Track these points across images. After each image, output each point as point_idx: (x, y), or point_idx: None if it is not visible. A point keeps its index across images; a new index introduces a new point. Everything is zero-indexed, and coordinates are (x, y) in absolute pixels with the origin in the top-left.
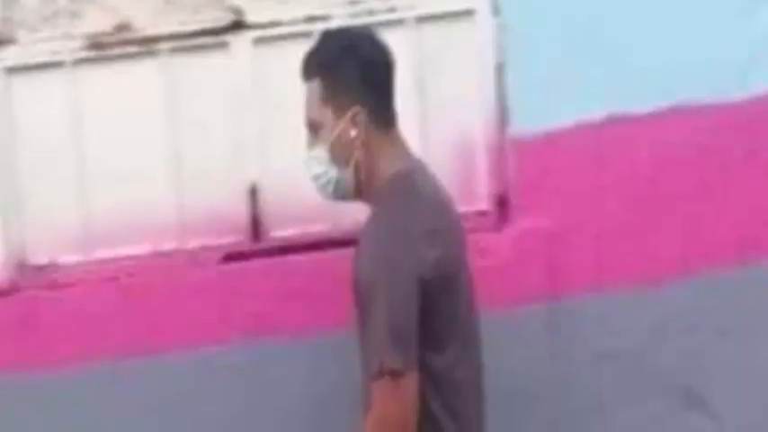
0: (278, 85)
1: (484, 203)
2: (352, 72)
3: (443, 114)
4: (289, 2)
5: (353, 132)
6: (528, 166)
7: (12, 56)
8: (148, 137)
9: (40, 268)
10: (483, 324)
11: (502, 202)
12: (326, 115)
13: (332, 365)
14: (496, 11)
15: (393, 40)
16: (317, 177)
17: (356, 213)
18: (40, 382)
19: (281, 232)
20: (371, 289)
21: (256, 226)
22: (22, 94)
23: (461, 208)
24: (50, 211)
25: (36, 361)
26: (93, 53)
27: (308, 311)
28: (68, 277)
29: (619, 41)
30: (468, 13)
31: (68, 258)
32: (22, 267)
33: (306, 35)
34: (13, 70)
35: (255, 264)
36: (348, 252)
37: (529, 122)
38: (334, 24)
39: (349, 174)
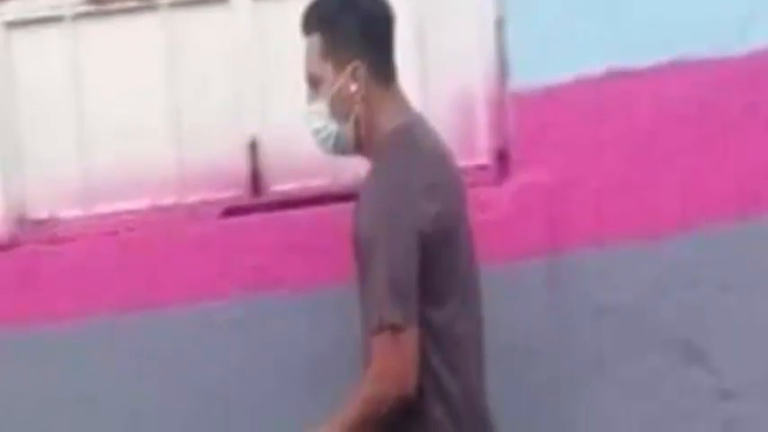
0: (278, 39)
1: (484, 158)
2: (352, 27)
3: (443, 69)
4: None
5: (353, 87)
6: (528, 121)
7: (11, 10)
8: (148, 91)
9: (40, 223)
10: (483, 278)
11: (502, 157)
12: (326, 70)
13: (332, 320)
14: None
15: None
16: (317, 132)
17: (356, 168)
18: (39, 337)
19: (281, 186)
20: (371, 243)
21: (256, 180)
22: (22, 49)
23: (461, 162)
24: (50, 166)
25: (36, 315)
26: (92, 7)
27: (308, 266)
28: (68, 232)
29: None
30: None
31: (68, 213)
32: (22, 222)
33: None
34: (12, 25)
35: (255, 218)
36: (348, 206)
37: (529, 77)
38: None
39: (349, 128)
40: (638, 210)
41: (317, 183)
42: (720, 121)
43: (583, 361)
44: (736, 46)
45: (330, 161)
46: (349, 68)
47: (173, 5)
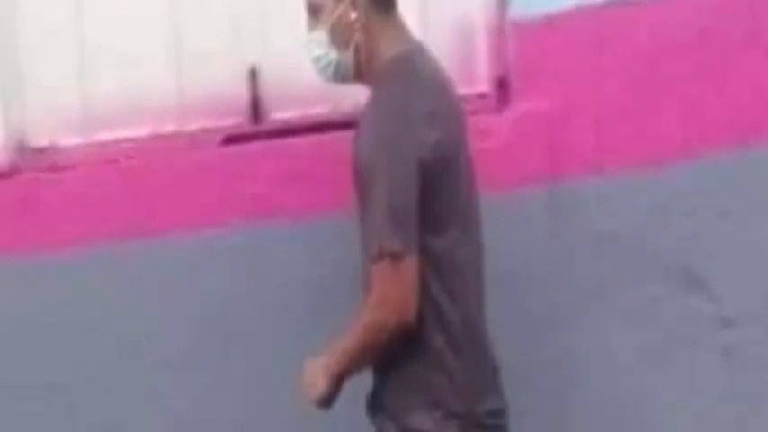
0: None
1: (484, 85)
2: None
3: None
4: None
5: (353, 15)
6: (528, 49)
7: None
8: (149, 19)
9: (40, 150)
10: (483, 206)
11: (502, 85)
12: None
13: (332, 247)
14: None
15: None
16: (317, 60)
17: (356, 95)
18: (40, 265)
19: (281, 114)
20: (371, 171)
21: (256, 108)
22: None
23: (461, 90)
24: (51, 94)
25: (36, 243)
26: None
27: (309, 193)
28: (68, 159)
29: None
30: None
31: (68, 141)
32: (22, 149)
33: None
34: None
35: (255, 146)
36: (348, 134)
37: (529, 4)
38: None
39: (349, 56)
40: (638, 137)
41: (317, 110)
42: (720, 49)
43: (582, 288)
44: None
45: (330, 89)
46: None
47: None
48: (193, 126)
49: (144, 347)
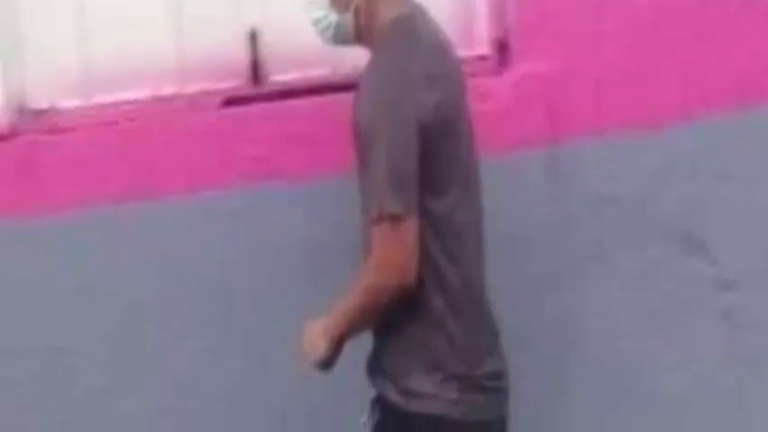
0: None
1: (484, 48)
2: None
3: None
4: None
5: None
6: (528, 10)
7: None
8: None
9: (40, 112)
10: (483, 168)
11: (502, 47)
12: None
13: (332, 210)
14: None
15: None
16: (317, 21)
17: (356, 57)
18: (39, 227)
19: (281, 76)
20: (371, 134)
21: (256, 70)
22: None
23: (461, 52)
24: (50, 56)
25: (36, 205)
26: None
27: (308, 156)
28: (68, 122)
29: None
30: None
31: (68, 103)
32: (22, 111)
33: None
34: None
35: (255, 108)
36: (348, 96)
37: None
38: None
39: (349, 18)
40: (638, 100)
41: (317, 72)
42: (721, 12)
43: (582, 251)
44: None
45: (330, 51)
46: None
47: None
48: (193, 88)
49: (143, 310)
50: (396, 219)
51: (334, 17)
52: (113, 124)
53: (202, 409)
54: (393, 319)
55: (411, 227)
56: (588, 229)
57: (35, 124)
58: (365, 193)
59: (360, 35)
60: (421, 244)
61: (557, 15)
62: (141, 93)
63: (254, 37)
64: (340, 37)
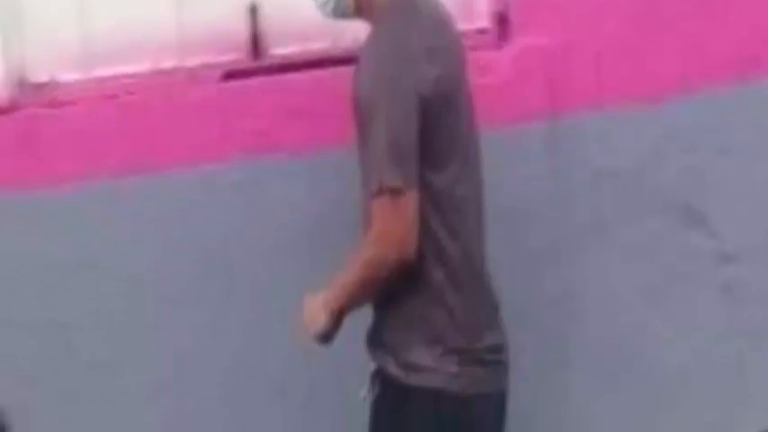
0: None
1: (484, 21)
2: None
3: None
4: None
5: None
6: None
7: None
8: None
9: (40, 86)
10: (483, 142)
11: (502, 20)
12: None
13: (332, 183)
14: None
15: None
16: None
17: (356, 31)
18: (39, 200)
19: (281, 50)
20: (371, 107)
21: (256, 43)
22: None
23: (461, 26)
24: (50, 29)
25: (35, 179)
26: None
27: (308, 129)
28: (68, 95)
29: None
30: None
31: (68, 76)
32: (22, 85)
33: None
34: None
35: (255, 81)
36: (348, 70)
37: None
38: None
39: None
40: (638, 73)
41: (317, 46)
42: None
43: (582, 225)
44: None
45: (330, 24)
46: None
47: None
48: (193, 61)
49: (143, 284)
50: (396, 192)
51: None
52: (113, 98)
53: (202, 382)
54: (393, 293)
55: (411, 200)
56: (588, 202)
57: (35, 98)
58: (365, 167)
59: (359, 8)
60: (421, 217)
61: None
62: (141, 66)
63: (254, 10)
64: (340, 10)
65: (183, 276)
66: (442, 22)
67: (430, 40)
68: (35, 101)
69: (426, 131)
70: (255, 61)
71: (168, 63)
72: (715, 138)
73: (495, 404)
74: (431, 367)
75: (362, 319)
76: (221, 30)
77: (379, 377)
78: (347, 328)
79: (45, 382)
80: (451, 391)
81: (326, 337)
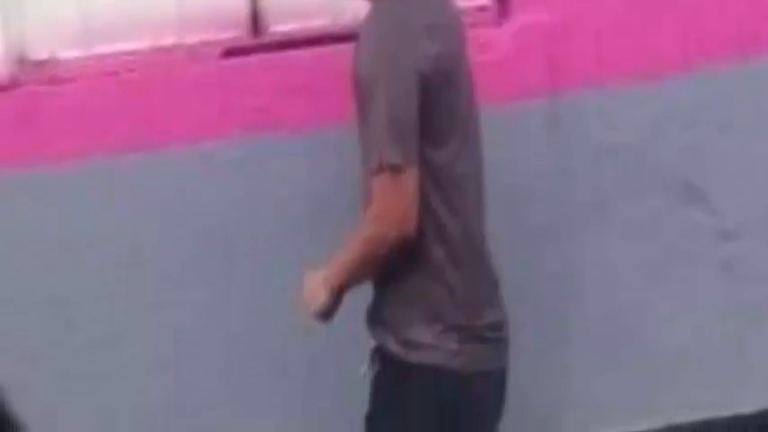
0: None
1: None
2: None
3: None
4: None
5: None
6: None
7: None
8: None
9: (40, 63)
10: (483, 119)
11: None
12: None
13: (332, 160)
14: None
15: None
16: None
17: (356, 8)
18: (39, 178)
19: (281, 27)
20: (371, 84)
21: (256, 21)
22: None
23: (461, 3)
24: (50, 6)
25: (36, 156)
26: None
27: (308, 106)
28: (68, 72)
29: None
30: None
31: (68, 53)
32: (22, 62)
33: None
34: None
35: (255, 59)
36: (348, 47)
37: None
38: None
39: None
40: (638, 50)
41: (317, 23)
42: None
43: (582, 202)
44: None
45: (330, 1)
46: None
47: None
48: (193, 39)
49: (143, 261)
50: (396, 169)
51: None
52: (113, 75)
53: (202, 359)
54: (393, 270)
55: (411, 177)
56: (588, 179)
57: (35, 75)
58: (365, 144)
59: None
60: (421, 195)
61: None
62: (141, 43)
63: None
64: None
65: (183, 253)
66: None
67: (430, 17)
68: (35, 78)
69: (426, 108)
70: (255, 38)
71: (168, 40)
72: (715, 115)
73: (495, 381)
74: (431, 344)
75: (362, 296)
76: (221, 7)
77: (379, 354)
78: (347, 306)
79: (45, 359)
80: (451, 368)
81: (326, 314)
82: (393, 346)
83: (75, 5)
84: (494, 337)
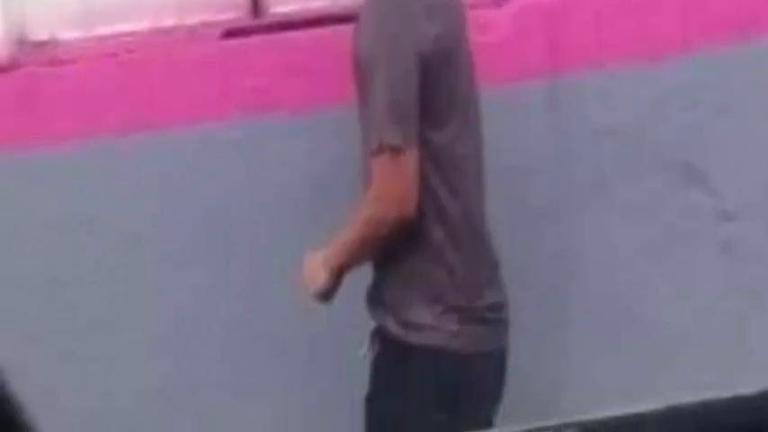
0: None
1: None
2: None
3: None
4: None
5: None
6: None
7: None
8: None
9: (40, 44)
10: (483, 100)
11: None
12: None
13: (332, 141)
14: None
15: None
16: None
17: None
18: (39, 159)
19: (281, 8)
20: (371, 65)
21: (256, 2)
22: None
23: None
24: None
25: (35, 137)
26: None
27: (309, 87)
28: (68, 53)
29: None
30: None
31: (68, 34)
32: (22, 43)
33: None
34: None
35: (255, 40)
36: (349, 28)
37: None
38: None
39: None
40: (638, 31)
41: (318, 4)
42: None
43: (582, 183)
44: None
45: None
46: None
47: None
48: (193, 20)
49: (143, 242)
50: (396, 150)
51: None
52: (113, 56)
53: (202, 340)
54: (393, 251)
55: (411, 158)
56: (588, 161)
57: (35, 56)
58: (365, 125)
59: None
60: (421, 175)
61: None
62: (141, 24)
63: None
64: None
65: (183, 234)
66: None
67: None
68: (35, 59)
69: (426, 89)
70: (255, 19)
71: (168, 21)
72: (715, 96)
73: (495, 362)
74: (431, 325)
75: (362, 277)
76: None
77: (379, 335)
78: (347, 287)
79: (44, 341)
80: (451, 349)
81: (326, 295)
82: (393, 328)
83: None
84: (494, 318)
